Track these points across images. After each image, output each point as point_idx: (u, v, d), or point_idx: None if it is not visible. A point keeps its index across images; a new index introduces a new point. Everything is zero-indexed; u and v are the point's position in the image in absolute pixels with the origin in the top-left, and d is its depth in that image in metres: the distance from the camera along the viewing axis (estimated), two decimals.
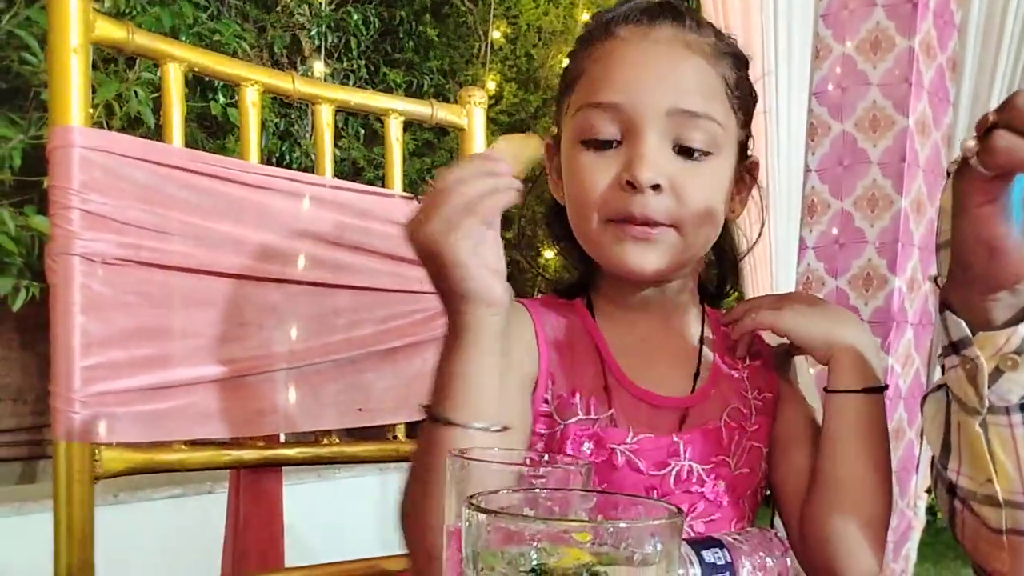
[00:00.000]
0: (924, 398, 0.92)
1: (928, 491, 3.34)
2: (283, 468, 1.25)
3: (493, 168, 0.82)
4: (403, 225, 0.82)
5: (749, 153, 1.05)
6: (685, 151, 0.95)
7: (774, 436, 1.05)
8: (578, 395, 0.98)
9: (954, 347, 0.82)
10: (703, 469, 0.99)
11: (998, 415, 0.81)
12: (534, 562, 0.48)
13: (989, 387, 0.80)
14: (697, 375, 1.03)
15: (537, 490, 0.61)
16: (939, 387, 0.88)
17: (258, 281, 1.16)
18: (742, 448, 1.02)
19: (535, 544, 0.49)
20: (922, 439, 3.16)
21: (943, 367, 0.84)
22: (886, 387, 1.00)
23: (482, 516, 0.50)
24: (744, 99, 1.01)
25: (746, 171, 1.05)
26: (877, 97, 2.92)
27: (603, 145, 0.95)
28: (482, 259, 0.81)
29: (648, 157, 0.93)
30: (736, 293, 2.57)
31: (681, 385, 1.02)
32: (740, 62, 1.01)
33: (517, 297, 1.04)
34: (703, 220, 0.97)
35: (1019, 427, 0.81)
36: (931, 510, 4.15)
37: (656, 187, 0.93)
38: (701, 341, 1.05)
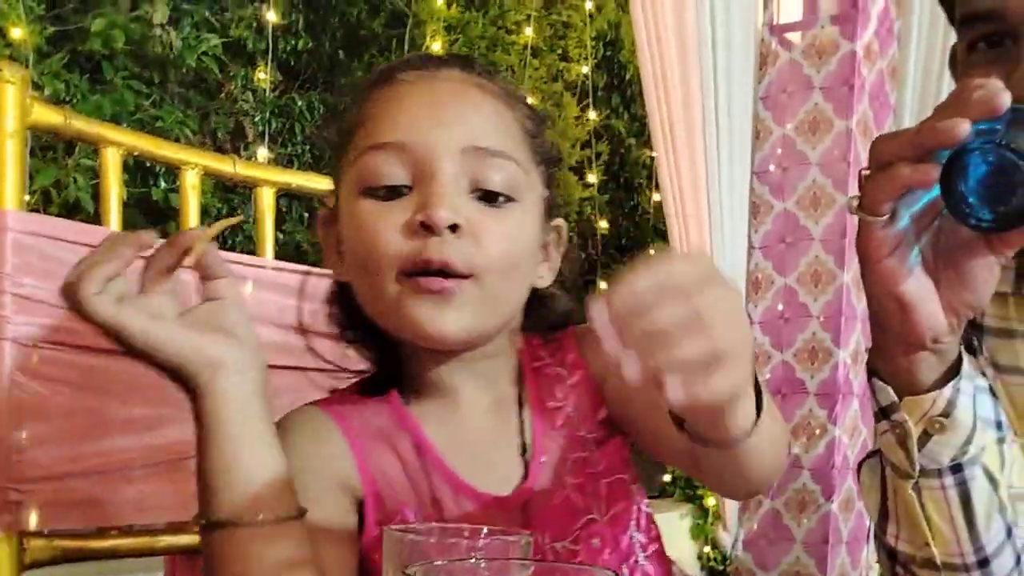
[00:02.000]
0: (859, 465, 0.92)
1: (879, 561, 3.34)
2: None
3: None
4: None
5: (555, 216, 0.96)
6: (484, 195, 0.86)
7: (624, 414, 0.95)
8: (412, 512, 0.89)
9: (883, 412, 0.82)
10: (570, 544, 0.91)
11: (930, 478, 0.82)
12: None
13: (919, 450, 0.81)
14: (525, 450, 0.93)
15: (474, 560, 0.61)
16: (874, 453, 0.89)
17: None
18: (600, 496, 0.93)
19: None
20: None
21: (876, 433, 0.85)
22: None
23: None
24: (544, 155, 0.93)
25: (554, 233, 0.96)
26: (817, 176, 2.99)
27: (390, 192, 0.85)
28: (183, 322, 0.78)
29: (444, 195, 0.83)
30: None
31: (515, 467, 0.93)
32: (537, 116, 0.94)
33: (315, 402, 0.96)
34: (506, 271, 0.86)
35: (951, 489, 0.82)
36: None
37: (454, 228, 0.83)
38: (520, 401, 0.95)
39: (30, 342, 1.02)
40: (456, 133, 0.85)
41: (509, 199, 0.87)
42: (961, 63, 0.91)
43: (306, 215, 4.68)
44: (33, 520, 1.03)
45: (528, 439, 0.93)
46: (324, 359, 1.05)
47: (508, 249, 0.86)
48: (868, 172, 0.74)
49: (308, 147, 4.91)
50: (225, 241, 4.46)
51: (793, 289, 3.02)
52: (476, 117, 0.87)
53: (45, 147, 3.32)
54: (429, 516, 0.88)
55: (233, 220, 0.89)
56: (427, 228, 0.82)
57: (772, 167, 3.07)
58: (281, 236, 4.56)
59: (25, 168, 1.02)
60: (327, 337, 1.26)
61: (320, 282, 1.28)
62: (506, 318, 0.91)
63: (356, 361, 1.24)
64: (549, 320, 0.98)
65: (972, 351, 0.96)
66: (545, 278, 0.95)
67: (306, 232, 4.60)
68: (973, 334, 0.99)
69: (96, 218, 1.14)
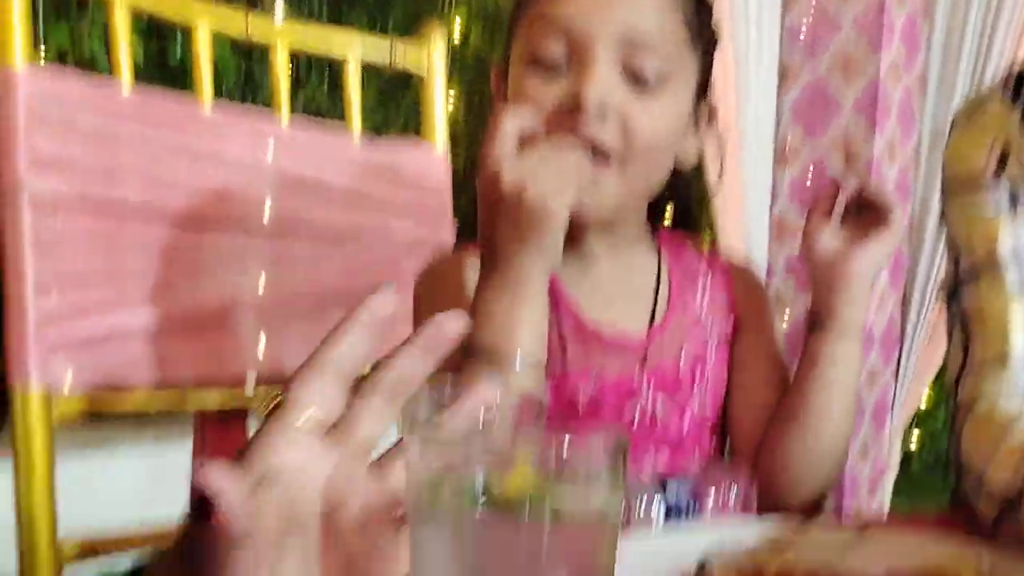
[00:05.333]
0: None
1: (902, 435, 3.36)
2: (250, 416, 1.25)
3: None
4: (491, 172, 0.84)
5: (708, 97, 1.03)
6: (637, 79, 0.92)
7: (732, 362, 1.05)
8: None
9: None
10: (666, 407, 0.99)
11: None
12: (478, 488, 0.47)
13: None
14: (654, 312, 1.02)
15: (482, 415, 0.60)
16: None
17: (214, 228, 1.15)
18: (703, 387, 1.02)
19: (479, 470, 0.48)
20: (896, 379, 3.18)
21: None
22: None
23: (426, 440, 0.49)
24: (705, 38, 0.99)
25: (704, 114, 1.03)
26: (849, 40, 2.90)
27: (550, 68, 0.92)
28: None
29: (596, 79, 0.89)
30: (708, 234, 2.55)
31: (639, 323, 1.02)
32: (704, 4, 1.00)
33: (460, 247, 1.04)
34: (651, 154, 0.94)
35: None
36: (906, 455, 4.18)
37: (603, 112, 0.90)
38: (658, 278, 1.04)
39: (46, 202, 1.01)
40: (617, 20, 0.90)
41: (660, 84, 0.92)
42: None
43: (327, 79, 4.55)
44: (60, 377, 1.04)
45: (659, 312, 1.01)
46: None
47: (654, 133, 0.92)
48: None
49: (325, 7, 4.76)
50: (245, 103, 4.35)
51: (822, 158, 2.96)
52: (638, 5, 0.92)
53: (57, 9, 3.22)
54: (553, 352, 0.95)
55: None
56: (577, 107, 0.89)
57: (803, 29, 2.98)
58: (302, 101, 4.43)
59: (31, 22, 1.00)
60: (342, 203, 1.25)
61: (336, 144, 1.26)
62: (645, 195, 0.99)
63: (370, 230, 1.23)
64: (684, 193, 1.07)
65: None
66: (690, 155, 1.02)
67: (326, 97, 4.48)
68: None
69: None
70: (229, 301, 1.16)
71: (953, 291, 0.97)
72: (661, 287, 1.04)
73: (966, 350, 0.95)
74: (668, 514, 0.90)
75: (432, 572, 0.44)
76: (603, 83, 0.89)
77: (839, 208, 0.99)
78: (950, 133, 1.01)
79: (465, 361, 0.85)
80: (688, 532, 0.82)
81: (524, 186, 0.83)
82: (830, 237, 0.97)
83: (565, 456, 0.48)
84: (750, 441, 1.03)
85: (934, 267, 2.99)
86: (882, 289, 3.06)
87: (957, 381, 0.95)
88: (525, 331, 0.86)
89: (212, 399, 1.17)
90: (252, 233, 1.17)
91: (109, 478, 2.53)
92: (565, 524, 0.44)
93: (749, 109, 2.74)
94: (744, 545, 0.77)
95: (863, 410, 3.10)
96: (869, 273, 0.96)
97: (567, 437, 0.51)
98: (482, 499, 0.46)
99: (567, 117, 0.90)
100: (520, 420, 0.65)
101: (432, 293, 1.01)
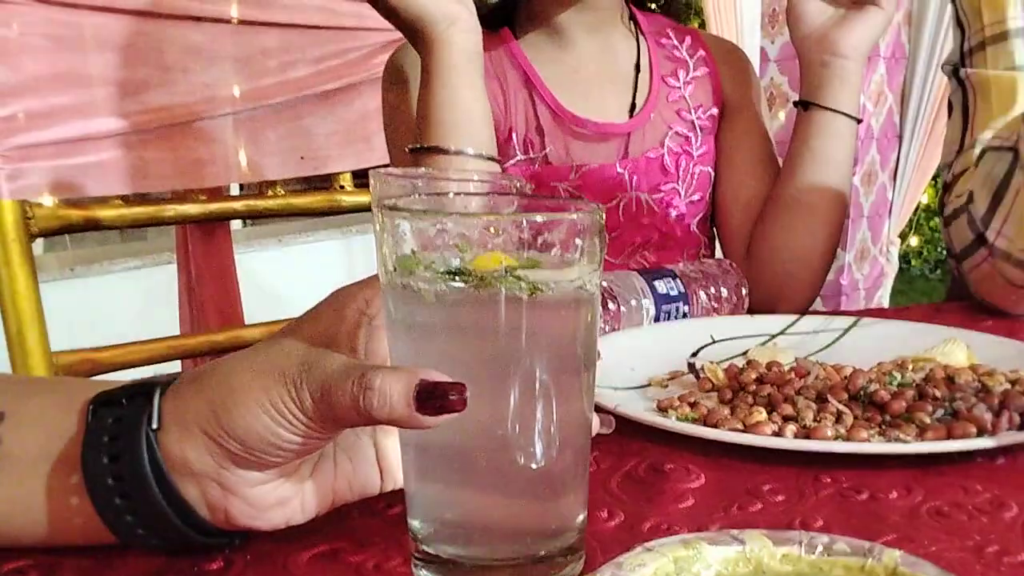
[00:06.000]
0: (985, 150, 0.89)
1: (901, 236, 3.36)
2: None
3: None
4: None
5: None
6: None
7: (719, 149, 1.02)
8: (515, 135, 0.96)
9: None
10: (652, 199, 0.98)
11: None
12: (455, 265, 0.45)
13: None
14: (635, 99, 0.99)
15: (453, 195, 0.58)
16: (1008, 148, 0.85)
17: (176, 20, 1.09)
18: (690, 174, 1.00)
19: (455, 246, 0.46)
20: (895, 182, 3.15)
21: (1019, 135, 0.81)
22: (860, 120, 0.96)
23: (398, 218, 0.46)
24: None
25: None
26: None
27: None
28: None
29: None
30: (698, 24, 2.46)
31: (619, 111, 0.99)
32: None
33: None
34: None
35: None
36: (904, 257, 4.20)
37: None
38: (638, 65, 1.01)
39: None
40: None
41: None
42: None
43: None
44: (30, 186, 1.01)
45: (639, 101, 0.99)
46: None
47: None
48: None
49: None
50: None
51: None
52: None
53: None
54: (531, 140, 0.95)
55: None
56: None
57: None
58: None
59: None
60: None
61: None
62: None
63: (342, 17, 1.18)
64: None
65: None
66: None
67: None
68: None
69: None
70: (198, 101, 1.11)
71: (957, 65, 0.94)
72: (641, 73, 1.01)
73: (964, 130, 0.93)
74: (658, 310, 0.88)
75: (407, 352, 0.43)
76: None
77: None
78: None
79: (416, 161, 0.82)
80: (678, 328, 0.81)
81: None
82: (819, 8, 0.92)
83: (540, 228, 0.46)
84: (741, 234, 1.01)
85: (933, 59, 2.91)
86: (880, 85, 2.99)
87: (954, 158, 0.94)
88: (465, 126, 0.82)
89: (192, 210, 1.15)
90: (215, 25, 1.11)
91: (100, 300, 2.53)
92: (543, 297, 0.42)
93: None
94: (733, 340, 0.76)
95: (861, 214, 3.09)
96: (861, 48, 0.91)
97: (542, 212, 0.49)
98: (456, 276, 0.44)
99: None
100: (496, 199, 0.63)
101: (395, 82, 0.98)
